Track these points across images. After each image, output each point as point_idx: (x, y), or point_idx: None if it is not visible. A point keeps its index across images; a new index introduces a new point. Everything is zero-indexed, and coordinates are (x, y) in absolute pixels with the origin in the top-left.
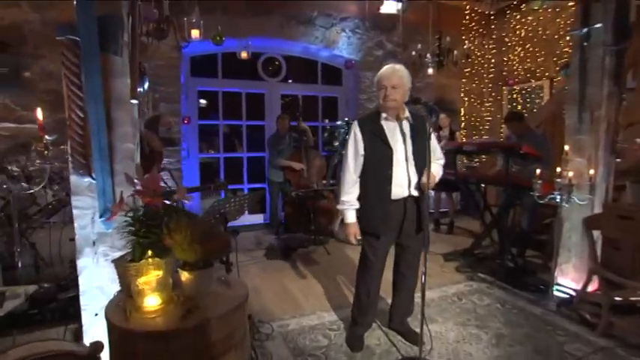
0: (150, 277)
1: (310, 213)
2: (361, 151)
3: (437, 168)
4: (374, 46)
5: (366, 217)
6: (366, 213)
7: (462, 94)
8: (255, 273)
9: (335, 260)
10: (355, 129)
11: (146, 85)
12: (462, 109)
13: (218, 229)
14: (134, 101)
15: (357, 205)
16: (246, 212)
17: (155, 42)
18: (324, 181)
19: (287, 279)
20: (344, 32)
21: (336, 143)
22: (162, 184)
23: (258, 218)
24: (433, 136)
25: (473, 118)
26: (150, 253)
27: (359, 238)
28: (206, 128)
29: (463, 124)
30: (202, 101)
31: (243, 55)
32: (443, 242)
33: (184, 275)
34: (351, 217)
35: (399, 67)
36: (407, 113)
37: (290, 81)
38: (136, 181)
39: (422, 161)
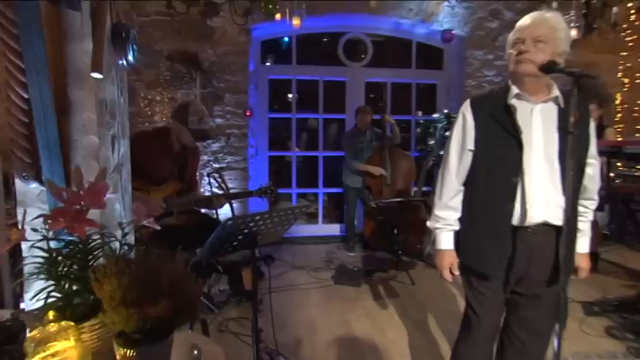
0: (51, 353)
1: (394, 228)
2: (470, 145)
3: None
4: (487, 16)
5: (470, 247)
6: (470, 240)
7: (620, 75)
8: (315, 301)
9: (421, 293)
10: (465, 110)
11: (130, 57)
12: (619, 96)
13: (185, 276)
14: (96, 75)
15: (456, 226)
16: (320, 222)
17: (222, 25)
18: (414, 189)
19: (354, 316)
20: (446, 0)
21: (432, 142)
22: (201, 189)
23: (333, 229)
24: (592, 129)
25: (637, 109)
26: (54, 313)
27: (456, 273)
28: (278, 122)
29: (619, 116)
30: (290, 95)
31: (295, 22)
32: (581, 284)
33: (119, 353)
34: (445, 241)
35: (552, 14)
36: (556, 91)
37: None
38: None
39: (573, 169)
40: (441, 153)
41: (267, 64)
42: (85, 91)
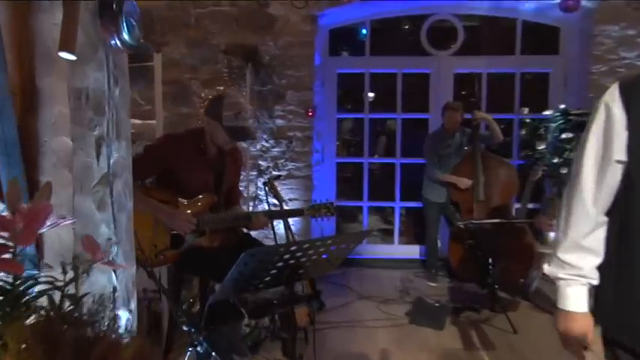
0: None
1: (489, 255)
2: (619, 154)
3: None
4: None
5: (622, 311)
6: (622, 300)
7: None
8: (383, 344)
9: (525, 346)
10: (611, 101)
11: (125, 35)
12: None
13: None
14: (66, 56)
15: (593, 278)
16: (396, 242)
17: (285, 13)
18: (516, 207)
19: None
20: None
21: (542, 146)
22: (253, 202)
23: (411, 251)
24: None
25: None
26: None
27: (593, 348)
28: (348, 124)
29: None
30: (370, 95)
31: None
32: None
33: None
34: (576, 300)
35: None
36: None
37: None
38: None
39: None
40: (555, 160)
41: (337, 56)
42: (56, 77)
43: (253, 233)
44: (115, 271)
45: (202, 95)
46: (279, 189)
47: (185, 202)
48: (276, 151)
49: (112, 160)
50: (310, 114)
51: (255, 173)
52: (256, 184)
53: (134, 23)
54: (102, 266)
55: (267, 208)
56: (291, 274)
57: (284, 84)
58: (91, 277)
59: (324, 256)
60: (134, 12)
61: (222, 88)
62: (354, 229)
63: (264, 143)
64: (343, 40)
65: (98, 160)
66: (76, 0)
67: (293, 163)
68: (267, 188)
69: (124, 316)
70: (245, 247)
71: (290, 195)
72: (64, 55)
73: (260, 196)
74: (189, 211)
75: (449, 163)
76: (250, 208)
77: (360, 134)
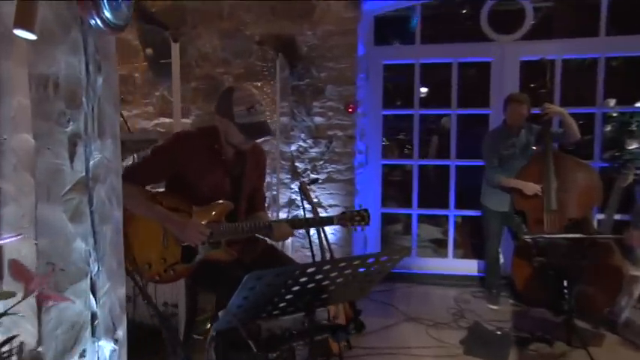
0: None
1: (563, 277)
2: None
3: None
4: None
5: None
6: None
7: None
8: None
9: None
10: None
11: (106, 13)
12: None
13: None
14: (23, 34)
15: None
16: (450, 255)
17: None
18: (598, 218)
19: None
20: None
21: (634, 145)
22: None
23: (468, 267)
24: None
25: None
26: None
27: None
28: (395, 122)
29: None
30: (423, 89)
31: None
32: None
33: None
34: None
35: None
36: None
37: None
38: None
39: None
40: None
41: (383, 45)
42: (15, 62)
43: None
44: (94, 294)
45: None
46: (316, 194)
47: (198, 209)
48: (314, 151)
49: (91, 162)
50: (351, 110)
51: (289, 177)
52: (291, 189)
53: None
54: (77, 288)
55: (303, 214)
56: (311, 299)
57: (323, 77)
58: (60, 304)
59: (351, 279)
60: None
61: (259, 83)
62: (402, 240)
63: (301, 143)
64: (390, 27)
65: (72, 161)
66: None
67: (333, 166)
68: (300, 191)
69: (106, 348)
70: (267, 261)
71: (329, 200)
72: (19, 33)
73: (297, 202)
74: (203, 221)
75: (513, 165)
76: (285, 216)
77: (410, 133)
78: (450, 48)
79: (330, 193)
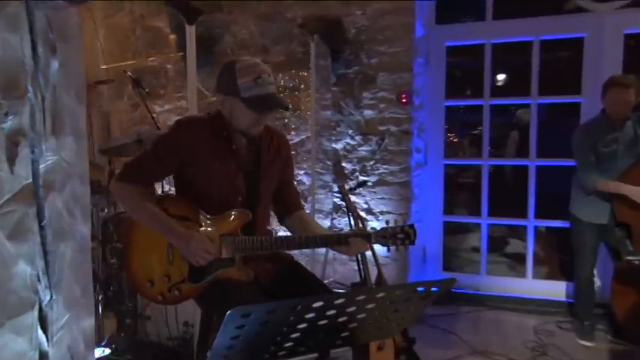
0: None
1: None
2: None
3: None
4: None
5: None
6: None
7: None
8: None
9: None
10: None
11: None
12: None
13: None
14: None
15: None
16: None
17: None
18: None
19: None
20: None
21: None
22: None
23: (552, 290)
24: None
25: None
26: None
27: None
28: (461, 115)
29: None
30: (500, 77)
31: None
32: None
33: None
34: None
35: None
36: None
37: None
38: None
39: None
40: None
41: (446, 24)
42: None
43: None
44: (45, 329)
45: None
46: (366, 198)
47: (209, 219)
48: (363, 150)
49: (42, 166)
50: (405, 101)
51: (331, 178)
52: (337, 193)
53: None
54: (19, 323)
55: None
56: (327, 338)
57: (374, 64)
58: None
59: (377, 315)
60: None
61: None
62: (469, 254)
63: (348, 140)
64: (455, 2)
65: (12, 165)
66: None
67: (385, 166)
68: (338, 194)
69: None
70: (289, 282)
71: (381, 207)
72: None
73: (344, 208)
74: (215, 233)
75: (614, 165)
76: (327, 224)
77: (479, 127)
78: (530, 23)
79: (382, 198)
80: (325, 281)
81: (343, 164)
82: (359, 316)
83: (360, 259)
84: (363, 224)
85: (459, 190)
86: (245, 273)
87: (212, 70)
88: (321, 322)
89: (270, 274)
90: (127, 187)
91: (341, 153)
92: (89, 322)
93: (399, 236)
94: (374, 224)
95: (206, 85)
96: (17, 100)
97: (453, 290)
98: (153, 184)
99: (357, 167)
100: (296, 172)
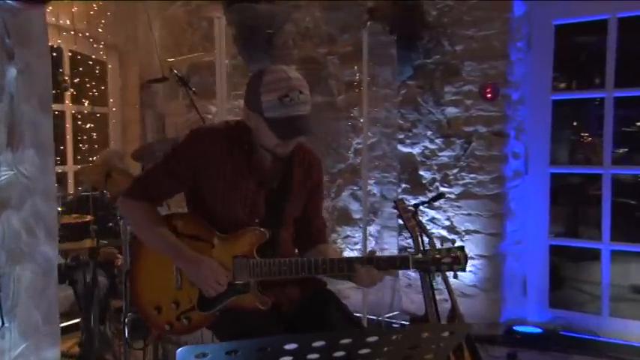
0: None
1: None
2: None
3: None
4: None
5: None
6: None
7: None
8: None
9: None
10: None
11: None
12: None
13: None
14: None
15: None
16: None
17: None
18: None
19: None
20: None
21: None
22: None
23: None
24: None
25: None
26: None
27: None
28: (573, 111)
29: None
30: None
31: None
32: None
33: None
34: None
35: None
36: None
37: None
38: None
39: None
40: None
41: None
42: None
43: None
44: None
45: (340, 77)
46: (447, 214)
47: (221, 239)
48: (445, 155)
49: None
50: (490, 95)
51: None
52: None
53: None
54: None
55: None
56: None
57: (459, 52)
58: None
59: None
60: None
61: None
62: (585, 286)
63: (427, 144)
64: None
65: None
66: None
67: (472, 175)
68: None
69: None
70: (315, 313)
71: (466, 224)
72: None
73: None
74: (227, 255)
75: None
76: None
77: (597, 127)
78: None
79: (468, 214)
80: (393, 313)
81: (420, 172)
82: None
83: (426, 286)
84: (423, 247)
85: (573, 205)
86: (261, 301)
87: (271, 65)
88: None
89: (295, 303)
90: (133, 204)
91: (418, 159)
92: (53, 353)
93: (445, 261)
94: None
95: None
96: None
97: (563, 333)
98: (163, 200)
99: (438, 176)
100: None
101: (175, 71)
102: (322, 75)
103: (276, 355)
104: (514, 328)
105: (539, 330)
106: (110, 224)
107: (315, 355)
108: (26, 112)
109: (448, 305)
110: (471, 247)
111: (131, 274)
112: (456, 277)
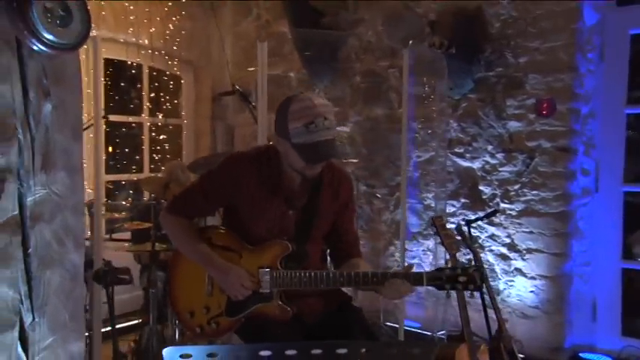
0: None
1: None
2: None
3: None
4: None
5: None
6: None
7: None
8: None
9: None
10: None
11: (47, 35)
12: None
13: None
14: None
15: None
16: None
17: None
18: None
19: None
20: None
21: None
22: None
23: None
24: None
25: None
26: None
27: None
28: None
29: None
30: None
31: None
32: None
33: None
34: None
35: None
36: None
37: None
38: None
39: None
40: None
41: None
42: None
43: None
44: (25, 350)
45: (400, 90)
46: (508, 231)
47: (249, 250)
48: (506, 170)
49: (29, 199)
50: (545, 112)
51: (462, 202)
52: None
53: (64, 14)
54: None
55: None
56: None
57: (523, 64)
58: None
59: None
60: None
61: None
62: None
63: (487, 158)
64: None
65: None
66: None
67: (535, 192)
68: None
69: None
70: (340, 325)
71: (528, 242)
72: None
73: (481, 240)
74: (254, 265)
75: None
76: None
77: None
78: None
79: (530, 232)
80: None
81: (480, 187)
82: None
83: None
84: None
85: None
86: (282, 310)
87: (334, 78)
88: None
89: (318, 314)
90: (172, 220)
91: (478, 174)
92: (77, 346)
93: (461, 279)
94: (518, 264)
95: (329, 95)
96: (5, 142)
97: None
98: (199, 217)
99: (498, 192)
100: (424, 194)
101: (237, 86)
102: (383, 88)
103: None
104: (580, 354)
105: (608, 359)
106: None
107: None
108: (59, 140)
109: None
110: (532, 266)
111: (170, 281)
112: (472, 296)
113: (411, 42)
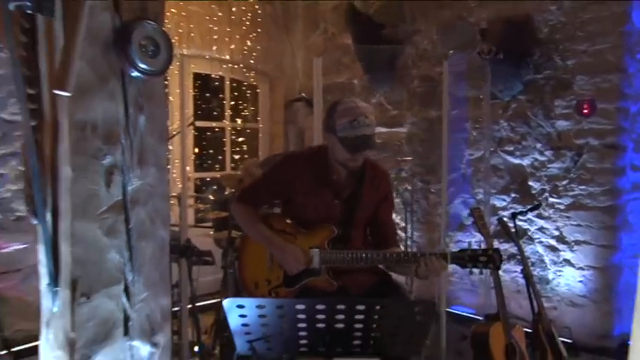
0: None
1: None
2: None
3: None
4: None
5: None
6: None
7: None
8: None
9: None
10: None
11: (142, 65)
12: None
13: None
14: (61, 93)
15: None
16: None
17: None
18: None
19: None
20: None
21: None
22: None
23: None
24: None
25: None
26: None
27: None
28: None
29: None
30: None
31: None
32: None
33: None
34: None
35: None
36: None
37: None
38: None
39: None
40: None
41: None
42: (62, 111)
43: None
44: (129, 299)
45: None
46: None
47: (302, 233)
48: (555, 167)
49: (130, 188)
50: (587, 111)
51: (512, 196)
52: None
53: (154, 48)
54: (110, 291)
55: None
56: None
57: (570, 66)
58: (92, 301)
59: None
60: (157, 33)
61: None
62: None
63: (536, 156)
64: None
65: (108, 187)
66: (72, 40)
67: (583, 187)
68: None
69: (143, 349)
70: (381, 296)
71: (576, 235)
72: (59, 92)
73: (530, 232)
74: (306, 246)
75: None
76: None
77: None
78: None
79: (578, 225)
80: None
81: (530, 183)
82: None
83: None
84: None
85: None
86: (329, 283)
87: (393, 84)
88: (319, 325)
89: (362, 287)
90: (241, 209)
91: (527, 170)
92: (165, 300)
93: (481, 259)
94: (567, 255)
95: (388, 100)
96: (113, 145)
97: None
98: (263, 206)
99: (547, 187)
100: (476, 190)
101: (303, 94)
102: (437, 92)
103: (290, 311)
104: (629, 342)
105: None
106: None
107: (321, 316)
108: (150, 143)
109: (556, 312)
110: (581, 257)
111: (239, 259)
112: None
113: (451, 52)
